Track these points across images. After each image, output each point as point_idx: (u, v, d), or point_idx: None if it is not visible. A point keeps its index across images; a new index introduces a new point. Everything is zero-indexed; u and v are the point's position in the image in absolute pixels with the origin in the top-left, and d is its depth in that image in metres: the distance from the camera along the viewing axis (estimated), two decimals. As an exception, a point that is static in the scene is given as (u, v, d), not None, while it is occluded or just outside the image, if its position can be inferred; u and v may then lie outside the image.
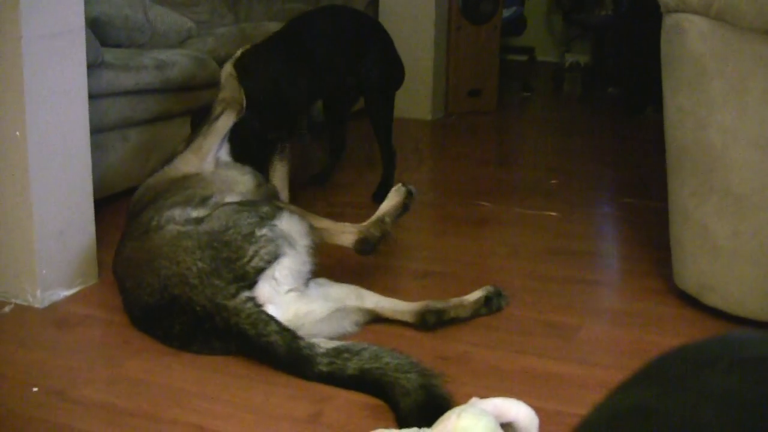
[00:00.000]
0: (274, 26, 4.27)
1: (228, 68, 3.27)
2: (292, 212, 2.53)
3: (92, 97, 2.88)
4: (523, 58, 9.12)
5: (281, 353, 2.20)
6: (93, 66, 3.24)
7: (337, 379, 2.16)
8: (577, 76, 8.27)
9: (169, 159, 2.96)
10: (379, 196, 3.84)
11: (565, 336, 2.50)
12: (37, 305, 2.63)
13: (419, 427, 1.84)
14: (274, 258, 2.35)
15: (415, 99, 5.95)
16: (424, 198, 4.04)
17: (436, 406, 1.99)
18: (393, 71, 4.03)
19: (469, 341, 2.45)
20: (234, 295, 2.26)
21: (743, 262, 2.46)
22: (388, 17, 5.91)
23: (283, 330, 2.23)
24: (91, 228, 2.82)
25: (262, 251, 2.34)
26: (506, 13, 7.05)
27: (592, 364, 2.33)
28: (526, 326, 2.56)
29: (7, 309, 2.62)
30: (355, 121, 5.79)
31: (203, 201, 2.60)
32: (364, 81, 3.88)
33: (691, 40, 2.46)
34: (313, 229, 2.56)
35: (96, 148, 3.09)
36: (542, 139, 5.85)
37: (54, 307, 2.65)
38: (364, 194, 4.02)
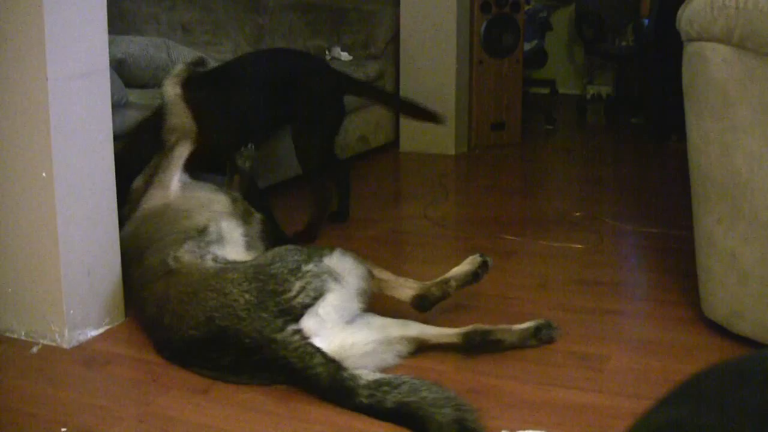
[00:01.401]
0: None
1: (172, 88, 3.17)
2: (344, 252, 2.55)
3: (118, 136, 2.90)
4: (545, 90, 9.13)
5: (325, 384, 2.23)
6: (118, 106, 3.27)
7: (376, 411, 2.17)
8: (600, 107, 8.26)
9: (133, 205, 2.96)
10: (300, 235, 3.69)
11: (594, 367, 2.48)
12: (64, 345, 2.64)
13: None
14: (319, 295, 2.38)
15: (438, 134, 5.95)
16: (450, 232, 4.04)
17: None
18: (328, 114, 3.96)
19: (499, 374, 2.44)
20: (282, 329, 2.29)
21: (773, 288, 2.44)
22: (409, 53, 5.94)
23: (329, 361, 2.25)
24: (118, 267, 2.83)
25: (309, 287, 2.37)
26: (527, 46, 7.07)
27: (623, 394, 2.31)
28: (555, 358, 2.55)
29: (34, 349, 2.63)
30: (376, 156, 5.82)
31: (202, 233, 2.69)
32: (305, 118, 3.83)
33: (713, 68, 2.46)
34: (372, 277, 2.60)
35: (122, 187, 3.11)
36: (566, 171, 5.85)
37: (82, 346, 2.66)
38: (388, 229, 4.03)
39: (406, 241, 4.03)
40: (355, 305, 2.49)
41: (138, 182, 3.06)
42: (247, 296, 2.33)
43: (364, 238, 3.85)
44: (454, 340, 2.55)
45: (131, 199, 3.00)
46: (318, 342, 2.32)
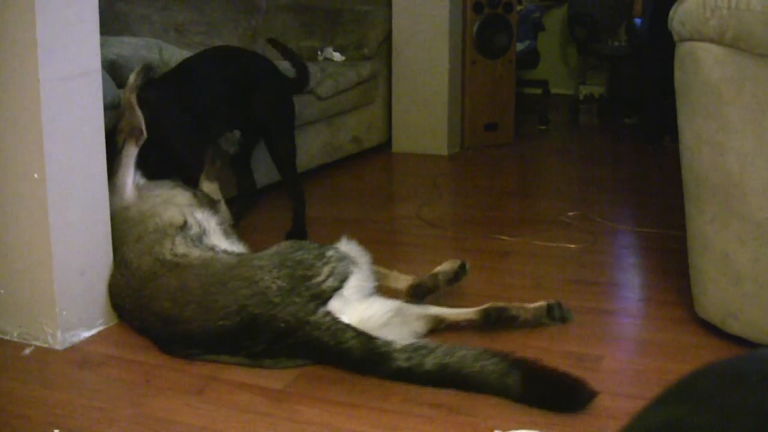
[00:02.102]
0: (288, 65, 4.30)
1: (127, 95, 3.17)
2: (349, 239, 2.70)
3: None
4: (538, 91, 9.14)
5: (358, 355, 2.35)
6: (110, 107, 3.26)
7: (414, 374, 2.29)
8: (593, 107, 8.27)
9: None
10: (291, 236, 3.71)
11: (588, 367, 2.48)
12: (57, 347, 2.63)
13: None
14: (345, 277, 2.50)
15: (432, 134, 5.96)
16: (444, 232, 4.04)
17: (543, 370, 2.25)
18: (285, 109, 4.03)
19: (492, 374, 2.43)
20: (314, 312, 2.38)
21: (765, 288, 2.44)
22: (402, 54, 5.93)
23: (360, 334, 2.37)
24: (111, 268, 2.82)
25: (336, 271, 2.49)
26: (520, 46, 7.07)
27: (616, 394, 2.31)
28: (549, 357, 2.53)
29: (27, 351, 2.62)
30: (369, 157, 5.82)
31: (184, 228, 2.75)
32: (260, 121, 3.88)
33: (706, 68, 2.46)
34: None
35: (115, 188, 3.09)
36: (560, 171, 5.85)
37: (75, 348, 2.65)
38: (381, 229, 4.02)
39: (400, 241, 4.03)
40: (371, 284, 2.63)
41: None
42: (279, 282, 2.41)
43: (357, 239, 3.84)
44: (472, 317, 2.66)
45: None
46: (343, 320, 2.42)
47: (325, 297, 2.43)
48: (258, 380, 2.39)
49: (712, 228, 2.53)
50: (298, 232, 3.78)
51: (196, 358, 2.50)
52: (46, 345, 2.64)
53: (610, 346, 2.66)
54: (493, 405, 2.24)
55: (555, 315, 2.75)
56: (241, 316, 2.40)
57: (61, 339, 2.64)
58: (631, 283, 3.38)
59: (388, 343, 2.34)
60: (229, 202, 3.53)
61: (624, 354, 2.63)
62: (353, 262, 2.58)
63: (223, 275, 2.49)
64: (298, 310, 2.37)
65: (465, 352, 2.28)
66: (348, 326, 2.38)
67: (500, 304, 2.70)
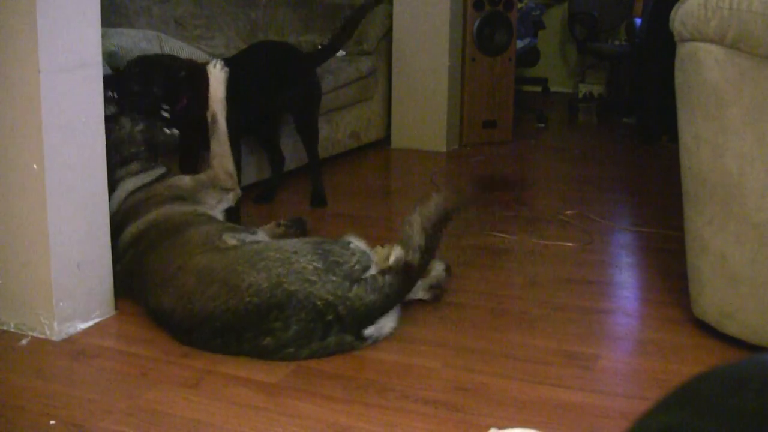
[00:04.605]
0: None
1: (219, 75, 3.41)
2: (355, 236, 2.80)
3: (108, 118, 2.89)
4: (537, 89, 9.14)
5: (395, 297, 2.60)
6: (110, 99, 3.26)
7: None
8: (592, 106, 8.25)
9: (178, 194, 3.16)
10: (316, 202, 4.36)
11: (583, 366, 2.48)
12: (54, 338, 2.63)
13: None
14: (367, 266, 2.62)
15: (430, 131, 5.96)
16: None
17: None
18: (315, 95, 4.52)
19: (487, 372, 2.44)
20: (350, 289, 2.50)
21: (762, 289, 2.44)
22: (402, 50, 5.93)
23: (388, 271, 2.61)
24: (108, 260, 2.82)
25: (362, 259, 2.62)
26: (520, 44, 7.07)
27: (612, 393, 2.31)
28: (544, 356, 2.55)
29: (24, 341, 2.62)
30: (367, 153, 5.82)
31: (246, 229, 2.92)
32: (293, 106, 4.35)
33: (706, 69, 2.46)
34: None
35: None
36: (558, 169, 5.84)
37: (71, 339, 2.65)
38: (378, 225, 4.01)
39: (398, 237, 4.02)
40: None
41: (187, 180, 3.24)
42: (315, 263, 2.52)
43: (355, 234, 3.84)
44: (422, 296, 2.92)
45: (178, 186, 3.19)
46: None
47: (356, 278, 2.54)
48: (253, 374, 2.39)
49: (710, 229, 2.53)
50: (319, 197, 4.40)
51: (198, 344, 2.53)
52: (42, 336, 2.64)
53: (607, 345, 2.66)
54: (490, 402, 2.25)
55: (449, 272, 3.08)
56: (273, 292, 2.43)
57: (57, 330, 2.64)
58: (627, 282, 3.38)
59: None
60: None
61: (620, 354, 2.63)
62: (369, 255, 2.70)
63: (251, 257, 2.54)
64: (336, 288, 2.48)
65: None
66: (375, 275, 2.57)
67: (432, 281, 2.97)
